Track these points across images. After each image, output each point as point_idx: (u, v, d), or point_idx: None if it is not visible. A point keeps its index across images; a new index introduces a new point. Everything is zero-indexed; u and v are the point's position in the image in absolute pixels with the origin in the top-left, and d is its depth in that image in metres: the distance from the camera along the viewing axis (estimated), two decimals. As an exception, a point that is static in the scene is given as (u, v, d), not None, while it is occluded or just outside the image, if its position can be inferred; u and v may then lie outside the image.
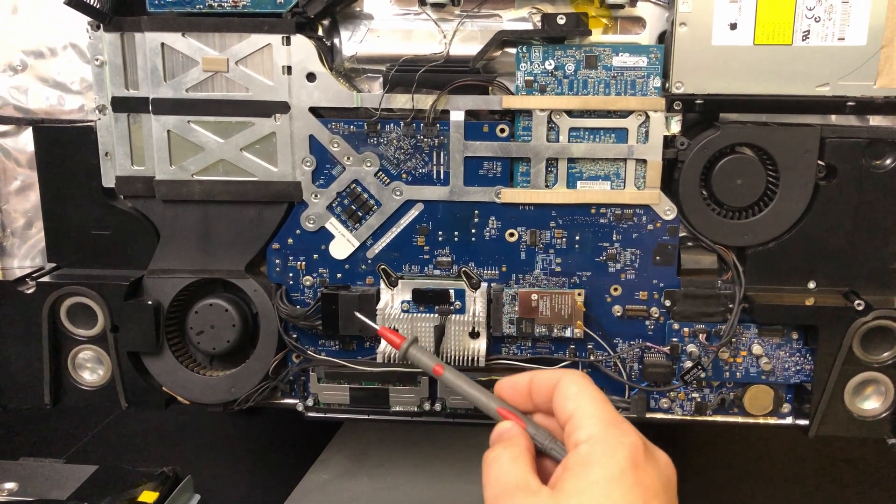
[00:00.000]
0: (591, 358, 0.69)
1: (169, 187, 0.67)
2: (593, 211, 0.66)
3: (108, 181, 0.68)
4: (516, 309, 0.67)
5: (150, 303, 0.67)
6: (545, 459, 0.44)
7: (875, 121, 0.66)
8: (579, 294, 0.66)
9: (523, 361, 0.69)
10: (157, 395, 0.71)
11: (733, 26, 0.61)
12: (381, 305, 0.67)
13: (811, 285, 0.67)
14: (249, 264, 0.69)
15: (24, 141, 0.71)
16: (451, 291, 0.66)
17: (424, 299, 0.66)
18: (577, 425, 0.40)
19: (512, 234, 0.67)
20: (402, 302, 0.67)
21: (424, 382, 0.69)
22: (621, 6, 0.63)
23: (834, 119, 0.66)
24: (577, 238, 0.67)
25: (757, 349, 0.67)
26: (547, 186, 0.66)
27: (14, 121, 0.71)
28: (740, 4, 0.61)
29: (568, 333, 0.67)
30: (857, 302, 0.64)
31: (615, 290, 0.68)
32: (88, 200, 0.69)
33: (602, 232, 0.66)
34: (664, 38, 0.64)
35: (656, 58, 0.63)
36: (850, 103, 0.62)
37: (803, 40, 0.61)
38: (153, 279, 0.68)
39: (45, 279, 0.69)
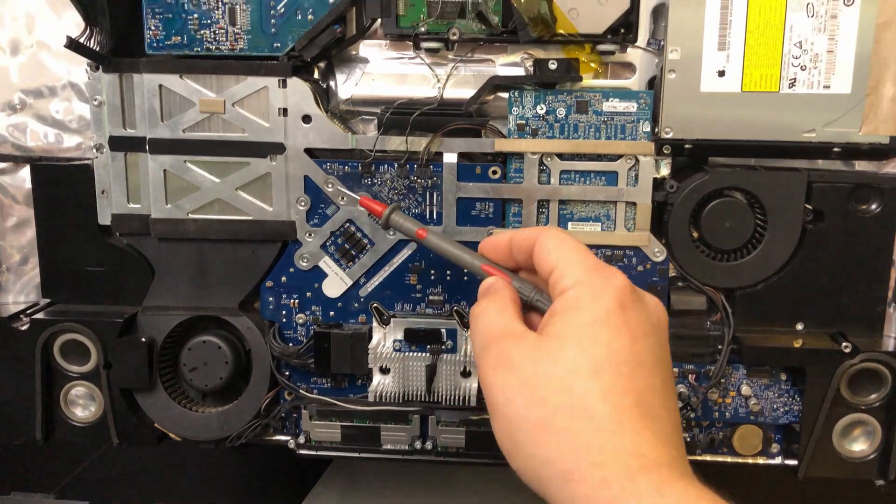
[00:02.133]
0: (582, 397, 0.69)
1: (164, 225, 0.67)
2: (584, 252, 0.67)
3: (104, 219, 0.69)
4: (508, 348, 0.67)
5: (143, 339, 0.68)
6: (532, 314, 0.44)
7: (860, 166, 0.67)
8: (570, 334, 0.67)
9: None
10: (149, 431, 0.71)
11: (721, 73, 0.62)
12: (372, 344, 0.67)
13: (799, 327, 0.67)
14: (243, 302, 0.69)
15: (22, 178, 0.72)
16: (443, 331, 0.67)
17: (416, 338, 0.67)
18: (562, 274, 0.40)
19: (504, 274, 0.67)
20: (394, 341, 0.67)
21: (416, 421, 0.69)
22: (612, 52, 0.64)
23: (821, 163, 0.67)
24: (568, 278, 0.67)
25: (746, 390, 0.68)
26: (538, 227, 0.66)
27: (12, 158, 0.71)
28: (728, 52, 0.62)
29: (559, 373, 0.67)
30: (844, 344, 0.65)
31: (606, 330, 0.68)
32: (84, 237, 0.70)
33: (593, 273, 0.67)
34: (653, 84, 0.66)
35: (646, 103, 0.64)
36: (835, 149, 0.63)
37: (790, 88, 0.62)
38: (147, 316, 0.69)
39: (39, 316, 0.69)
